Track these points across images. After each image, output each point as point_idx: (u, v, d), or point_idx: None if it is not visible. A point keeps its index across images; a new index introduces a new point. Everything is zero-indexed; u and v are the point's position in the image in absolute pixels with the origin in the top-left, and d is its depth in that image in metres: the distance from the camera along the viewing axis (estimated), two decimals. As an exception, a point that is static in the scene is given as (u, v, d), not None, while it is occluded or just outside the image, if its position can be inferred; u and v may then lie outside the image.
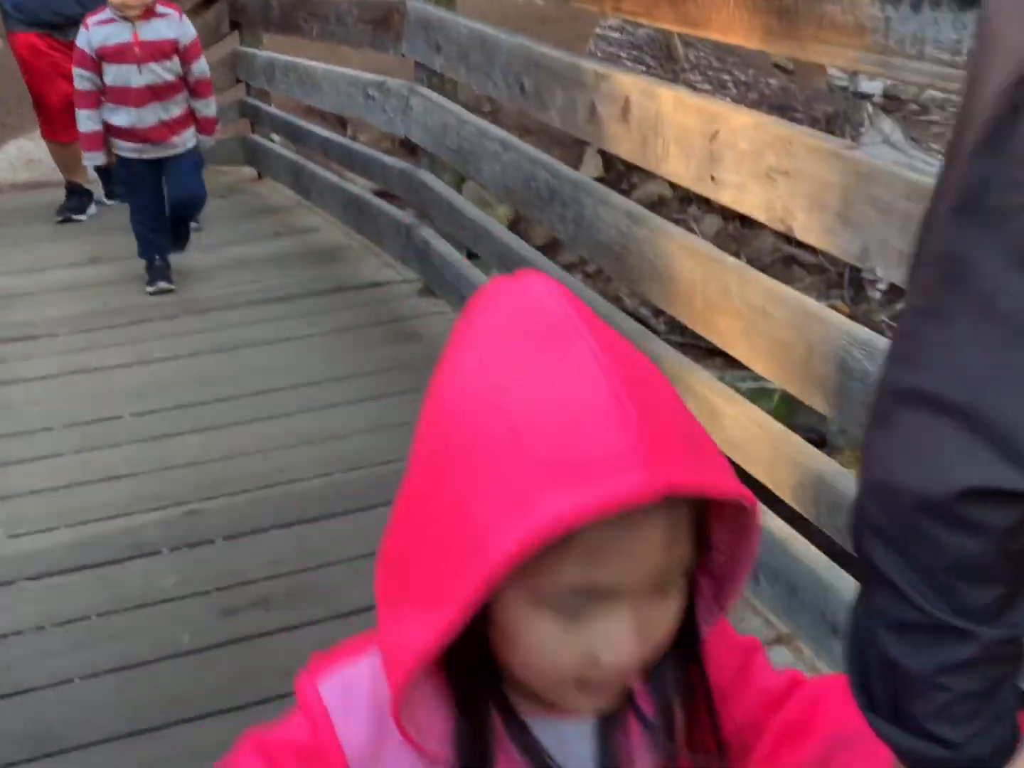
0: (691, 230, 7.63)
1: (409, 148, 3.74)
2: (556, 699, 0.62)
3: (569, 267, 6.39)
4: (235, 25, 4.80)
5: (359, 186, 4.30)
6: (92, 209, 4.64)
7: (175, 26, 3.47)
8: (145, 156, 3.51)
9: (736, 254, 7.98)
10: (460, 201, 3.22)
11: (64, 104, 4.03)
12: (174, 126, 3.52)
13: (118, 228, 4.48)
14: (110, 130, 3.50)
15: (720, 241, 7.75)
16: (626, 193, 7.54)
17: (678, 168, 1.97)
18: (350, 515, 2.29)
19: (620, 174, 6.64)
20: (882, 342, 1.59)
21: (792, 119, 7.92)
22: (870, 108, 7.39)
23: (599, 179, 7.40)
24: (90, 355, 3.10)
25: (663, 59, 8.18)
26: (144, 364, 3.02)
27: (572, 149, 6.19)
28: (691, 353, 5.74)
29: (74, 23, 3.79)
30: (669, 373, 2.13)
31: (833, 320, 1.66)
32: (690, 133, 1.91)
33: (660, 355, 2.17)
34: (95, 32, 3.43)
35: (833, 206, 1.59)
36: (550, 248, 5.22)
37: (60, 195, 5.82)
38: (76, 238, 4.26)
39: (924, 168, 7.13)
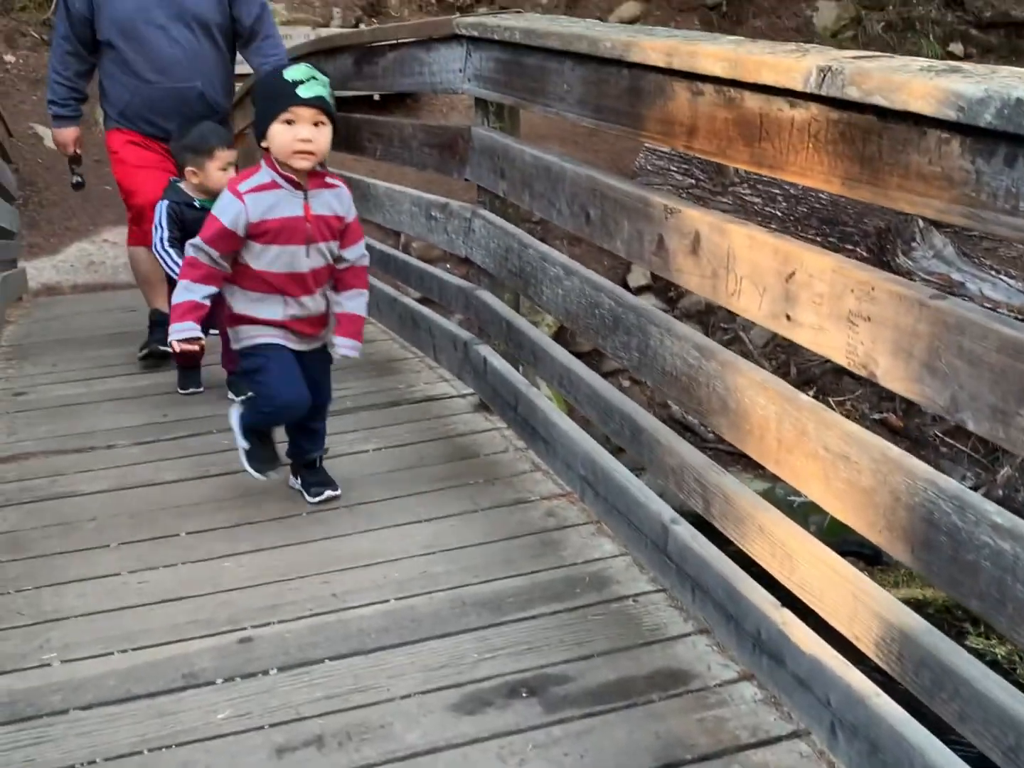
0: (740, 339, 7.62)
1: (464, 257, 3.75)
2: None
3: (610, 374, 6.39)
4: (297, 140, 4.91)
5: (414, 298, 4.33)
6: None
7: (344, 199, 2.73)
8: (291, 346, 2.74)
9: (786, 364, 7.93)
10: (519, 320, 3.22)
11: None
12: (324, 318, 2.79)
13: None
14: (242, 319, 2.72)
15: (769, 351, 7.73)
16: (673, 301, 7.59)
17: (750, 305, 1.94)
18: (406, 647, 2.23)
19: (668, 282, 6.65)
20: (972, 496, 1.54)
21: (843, 233, 7.94)
22: (921, 223, 7.39)
23: (646, 287, 7.44)
24: (148, 469, 3.09)
25: (712, 172, 8.27)
26: (202, 479, 3.01)
27: (621, 258, 6.24)
28: (734, 460, 5.66)
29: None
30: (741, 511, 2.08)
31: (919, 470, 1.61)
32: (764, 271, 1.89)
33: (733, 494, 2.12)
34: (254, 203, 2.56)
35: (919, 355, 1.55)
36: (595, 353, 5.22)
37: (121, 298, 5.93)
38: (138, 344, 4.30)
39: (1012, 320, 7.08)
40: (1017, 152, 1.34)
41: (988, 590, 1.49)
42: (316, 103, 2.51)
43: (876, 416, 7.31)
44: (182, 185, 3.57)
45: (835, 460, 1.77)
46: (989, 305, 7.56)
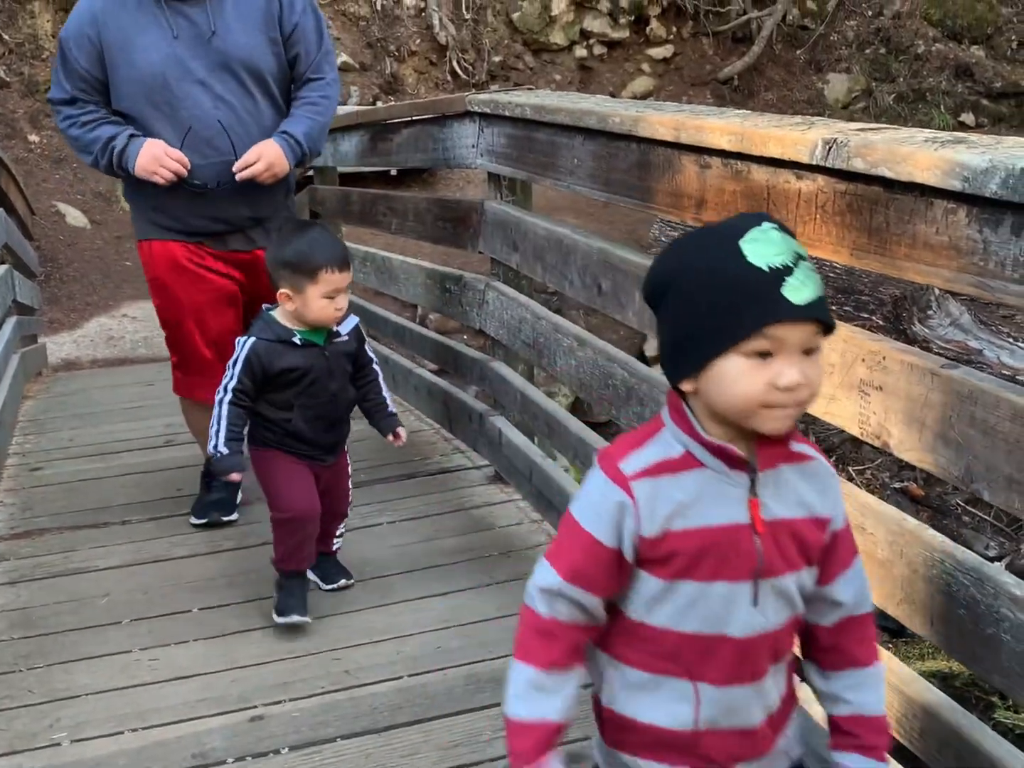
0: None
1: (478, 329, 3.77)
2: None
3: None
4: (314, 215, 4.97)
5: (429, 369, 4.34)
6: (240, 497, 3.27)
7: (825, 482, 1.70)
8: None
9: (805, 432, 7.89)
10: (533, 392, 3.22)
11: (218, 341, 3.02)
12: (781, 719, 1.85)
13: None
14: (618, 723, 1.31)
15: (788, 420, 7.70)
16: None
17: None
18: (419, 725, 2.19)
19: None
20: (990, 569, 1.51)
21: (858, 302, 7.95)
22: (937, 291, 7.39)
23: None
24: (161, 544, 3.08)
25: (727, 241, 8.31)
26: (214, 554, 3.00)
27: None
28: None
29: (239, 230, 3.02)
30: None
31: (936, 542, 1.59)
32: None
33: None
34: (652, 497, 1.20)
35: (932, 425, 1.54)
36: (613, 423, 5.23)
37: (138, 372, 5.97)
38: (154, 419, 4.32)
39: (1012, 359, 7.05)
40: (1023, 222, 1.34)
41: (1010, 665, 1.46)
42: (814, 313, 1.17)
43: (897, 485, 7.24)
44: (277, 314, 2.53)
45: (853, 531, 1.74)
46: (1008, 372, 7.53)
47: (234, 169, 2.88)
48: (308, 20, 2.97)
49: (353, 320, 2.62)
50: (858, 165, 1.57)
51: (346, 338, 2.60)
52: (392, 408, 2.74)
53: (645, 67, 11.27)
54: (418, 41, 10.33)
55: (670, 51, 11.33)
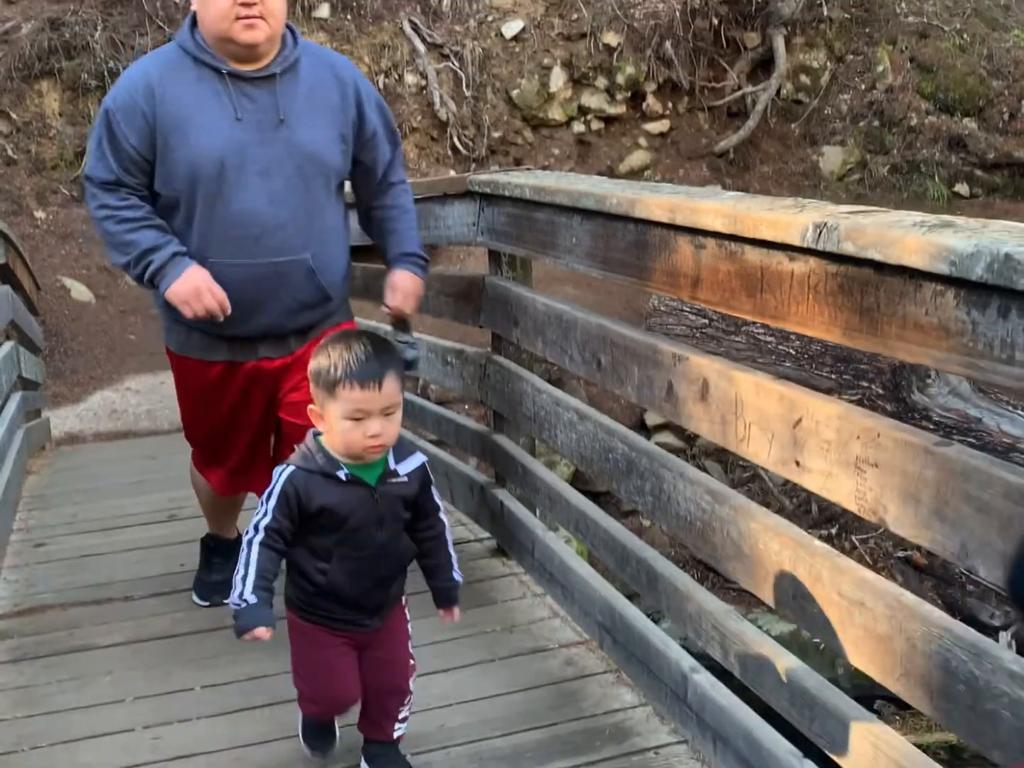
0: (759, 476, 7.59)
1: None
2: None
3: (628, 514, 6.35)
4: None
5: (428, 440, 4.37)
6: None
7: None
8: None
9: (807, 502, 7.85)
10: (534, 464, 3.25)
11: (254, 445, 2.88)
12: None
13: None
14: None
15: (789, 489, 7.68)
16: (691, 439, 7.56)
17: (760, 451, 1.96)
18: (423, 803, 2.19)
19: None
20: (988, 644, 1.53)
21: (857, 371, 7.99)
22: (935, 359, 7.43)
23: (663, 425, 7.44)
24: (163, 621, 3.09)
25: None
26: (217, 631, 3.00)
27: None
28: (759, 600, 5.58)
29: (274, 337, 2.70)
30: (760, 659, 2.05)
31: (934, 617, 1.60)
32: (771, 418, 1.92)
33: (751, 642, 2.10)
34: None
35: (927, 502, 1.56)
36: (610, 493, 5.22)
37: (141, 446, 5.99)
38: (157, 492, 4.34)
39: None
40: (1010, 304, 1.38)
41: (1009, 740, 1.46)
42: None
43: (900, 554, 7.23)
44: (325, 440, 2.13)
45: (850, 607, 1.76)
46: (1008, 440, 7.55)
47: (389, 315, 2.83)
48: (381, 119, 2.77)
49: (418, 459, 2.19)
50: (848, 248, 1.61)
51: (404, 479, 2.16)
52: (456, 575, 2.30)
53: (642, 141, 11.44)
54: (419, 118, 10.52)
55: (666, 126, 11.51)
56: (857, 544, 7.50)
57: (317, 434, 2.15)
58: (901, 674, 1.66)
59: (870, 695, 4.13)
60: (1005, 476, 1.43)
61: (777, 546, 1.97)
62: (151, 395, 7.09)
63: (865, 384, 8.02)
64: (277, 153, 2.56)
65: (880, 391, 8.00)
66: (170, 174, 2.56)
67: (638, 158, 11.37)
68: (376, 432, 2.05)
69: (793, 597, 1.92)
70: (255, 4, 2.48)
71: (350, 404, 2.04)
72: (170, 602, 3.22)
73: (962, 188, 11.51)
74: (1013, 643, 6.17)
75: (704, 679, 2.28)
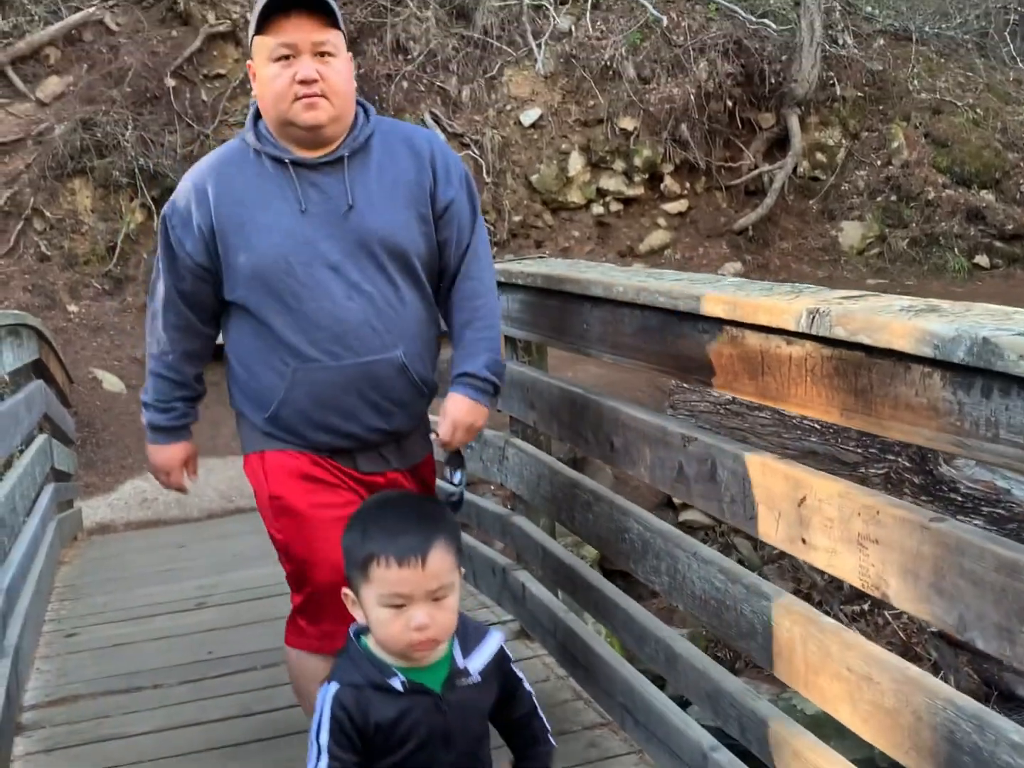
0: (788, 554, 7.56)
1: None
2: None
3: (655, 595, 6.34)
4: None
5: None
6: None
7: None
8: None
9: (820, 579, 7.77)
10: (554, 545, 3.29)
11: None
12: None
13: (223, 570, 4.65)
14: None
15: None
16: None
17: (768, 529, 2.01)
18: None
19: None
20: (991, 716, 1.56)
21: (883, 444, 7.98)
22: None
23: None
24: (192, 708, 3.13)
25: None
26: (245, 718, 3.04)
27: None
28: (758, 673, 5.48)
29: (371, 446, 2.38)
30: (776, 736, 2.08)
31: (939, 690, 1.63)
32: (777, 497, 1.97)
33: (766, 719, 2.13)
34: None
35: (925, 576, 1.61)
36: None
37: (171, 534, 6.08)
38: (185, 581, 4.41)
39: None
40: (992, 385, 1.44)
41: (1016, 812, 1.48)
42: None
43: (934, 629, 7.16)
44: (371, 641, 1.75)
45: (859, 681, 1.80)
46: (1037, 510, 7.50)
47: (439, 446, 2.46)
48: (463, 196, 2.44)
49: (493, 644, 1.77)
50: (840, 333, 1.69)
51: (478, 679, 1.73)
52: (548, 744, 1.90)
53: (661, 221, 11.63)
54: (441, 204, 10.78)
55: (685, 205, 11.71)
56: (890, 619, 7.43)
57: (360, 632, 1.73)
58: (910, 747, 1.68)
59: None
60: (996, 549, 1.48)
61: (788, 623, 2.01)
62: (181, 483, 7.20)
63: (892, 457, 8.01)
64: (349, 243, 2.29)
65: (907, 464, 7.98)
66: (234, 280, 2.33)
67: (658, 238, 11.54)
68: (422, 623, 1.63)
69: (805, 673, 1.95)
70: (315, 81, 2.25)
71: (386, 587, 1.63)
72: (199, 689, 3.27)
73: (982, 260, 11.59)
74: (1052, 717, 6.06)
75: (724, 757, 2.30)
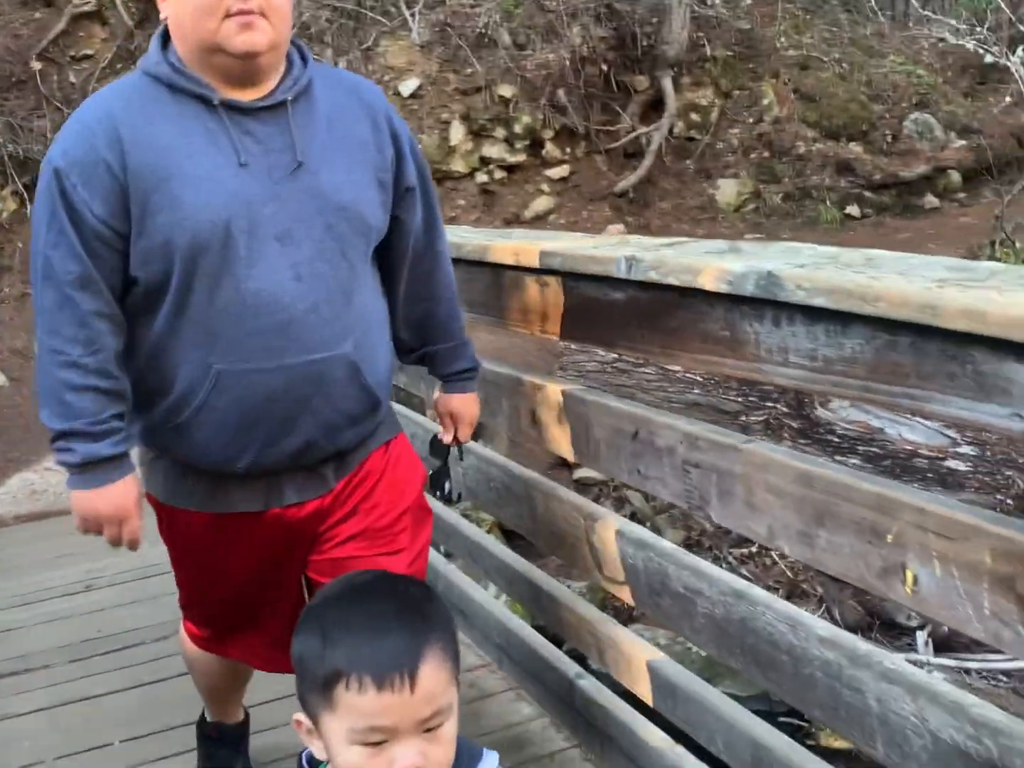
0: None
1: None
2: None
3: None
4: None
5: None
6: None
7: None
8: None
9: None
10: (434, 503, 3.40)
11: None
12: None
13: (113, 552, 4.66)
14: None
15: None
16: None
17: (611, 465, 2.16)
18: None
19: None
20: (801, 615, 1.72)
21: (762, 392, 8.27)
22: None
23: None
24: (81, 684, 3.17)
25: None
26: (133, 689, 3.09)
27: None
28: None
29: (311, 470, 1.93)
30: (629, 656, 2.23)
31: (759, 597, 1.80)
32: (615, 432, 2.11)
33: (620, 641, 2.27)
34: None
35: (739, 493, 1.76)
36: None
37: (62, 523, 6.02)
38: (73, 567, 4.41)
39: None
40: (780, 315, 1.59)
41: (824, 699, 1.65)
42: None
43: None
44: None
45: (693, 596, 1.95)
46: (910, 447, 7.88)
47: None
48: (415, 168, 2.01)
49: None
50: (653, 276, 1.82)
51: None
52: None
53: (544, 187, 11.76)
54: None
55: (567, 170, 11.85)
56: (777, 560, 7.74)
57: (316, 765, 1.33)
58: (738, 651, 1.84)
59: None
60: (794, 463, 1.64)
61: (631, 550, 2.15)
62: (70, 472, 7.12)
63: (770, 404, 8.29)
64: (300, 208, 1.79)
65: (785, 410, 8.28)
66: (151, 250, 1.75)
67: (542, 203, 11.68)
68: (412, 766, 1.19)
69: (649, 595, 2.10)
70: None
71: (361, 719, 1.18)
72: (87, 667, 3.30)
73: (853, 210, 11.99)
74: (930, 642, 6.42)
75: (589, 684, 2.45)
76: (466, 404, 2.25)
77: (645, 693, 2.16)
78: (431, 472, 2.29)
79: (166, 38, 1.84)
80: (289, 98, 1.83)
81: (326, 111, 1.87)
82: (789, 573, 7.52)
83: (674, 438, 1.91)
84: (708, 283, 1.68)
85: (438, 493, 2.37)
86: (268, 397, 1.81)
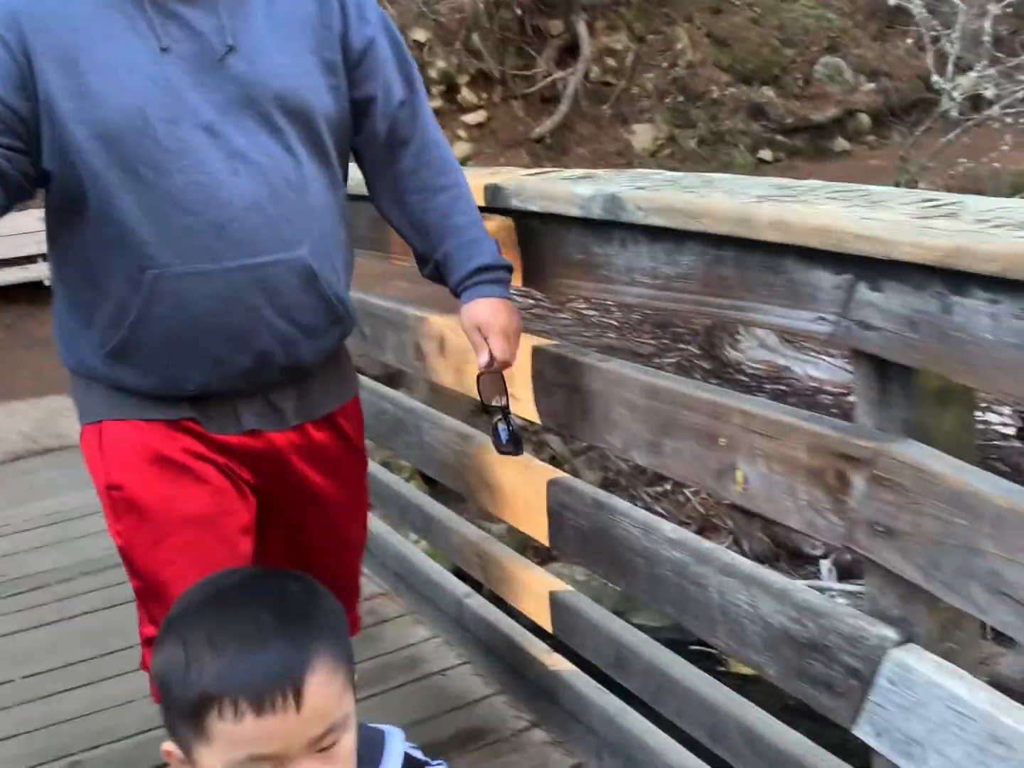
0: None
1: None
2: None
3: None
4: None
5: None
6: None
7: None
8: None
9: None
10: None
11: None
12: None
13: (20, 502, 4.66)
14: None
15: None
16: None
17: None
18: None
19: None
20: (656, 521, 1.83)
21: (675, 334, 8.42)
22: (741, 314, 7.92)
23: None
24: (-16, 625, 3.21)
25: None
26: (37, 628, 3.14)
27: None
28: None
29: (259, 388, 1.73)
30: (510, 573, 2.33)
31: (617, 506, 1.90)
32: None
33: (501, 558, 2.38)
34: None
35: (599, 409, 1.86)
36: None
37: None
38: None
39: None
40: (625, 236, 1.68)
41: (675, 595, 1.77)
42: None
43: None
44: None
45: (562, 511, 2.05)
46: (815, 384, 8.11)
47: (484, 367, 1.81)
48: (383, 40, 1.78)
49: (395, 753, 1.17)
50: (515, 203, 1.90)
51: None
52: None
53: (461, 133, 11.74)
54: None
55: (483, 116, 11.85)
56: (690, 497, 7.95)
57: None
58: (601, 561, 1.95)
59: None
60: (642, 378, 1.73)
61: (512, 474, 2.25)
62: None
63: (683, 346, 8.45)
64: (229, 97, 1.61)
65: (697, 351, 8.45)
66: (63, 139, 1.58)
67: (459, 149, 11.66)
68: None
69: (527, 511, 2.20)
70: None
71: (239, 748, 0.99)
72: (-9, 608, 3.34)
73: (766, 154, 12.17)
74: (833, 569, 6.68)
75: (476, 602, 2.56)
76: (495, 310, 1.79)
77: (546, 623, 2.25)
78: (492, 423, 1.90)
79: None
80: None
81: None
82: (700, 509, 7.74)
83: (541, 363, 1.99)
84: (562, 208, 1.76)
85: (503, 442, 1.89)
86: (211, 306, 1.63)
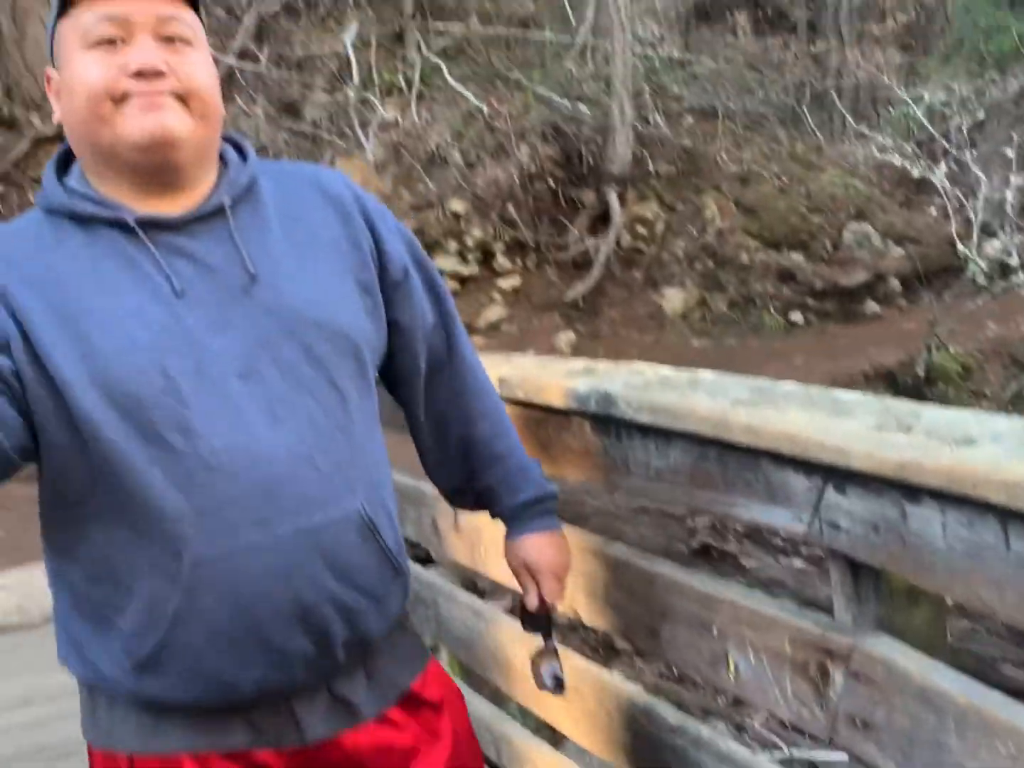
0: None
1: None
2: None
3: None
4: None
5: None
6: None
7: None
8: None
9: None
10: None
11: None
12: None
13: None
14: None
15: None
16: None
17: (498, 573, 2.31)
18: None
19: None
20: (658, 706, 1.87)
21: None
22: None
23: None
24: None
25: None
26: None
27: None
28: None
29: (321, 677, 1.43)
30: (521, 752, 2.36)
31: (633, 694, 1.94)
32: (501, 541, 2.27)
33: (513, 737, 2.40)
34: None
35: (600, 592, 1.92)
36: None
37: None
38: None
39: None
40: (620, 430, 1.78)
41: None
42: None
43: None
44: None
45: (570, 692, 2.09)
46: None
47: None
48: (409, 252, 1.62)
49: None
50: (520, 395, 2.01)
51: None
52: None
53: (496, 297, 12.10)
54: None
55: (518, 281, 12.22)
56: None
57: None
58: (611, 745, 1.98)
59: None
60: (640, 564, 1.80)
61: (523, 653, 2.30)
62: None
63: (714, 507, 8.43)
64: (259, 332, 1.39)
65: (729, 512, 8.42)
66: (67, 410, 1.31)
67: (494, 312, 12.00)
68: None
69: (538, 693, 2.24)
70: (161, 75, 1.34)
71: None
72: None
73: (796, 317, 12.38)
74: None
75: None
76: (542, 548, 1.66)
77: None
78: (531, 657, 1.78)
79: (67, 162, 1.46)
80: (227, 202, 1.42)
81: (279, 210, 1.48)
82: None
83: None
84: (560, 402, 1.87)
85: (547, 684, 1.75)
86: (266, 585, 1.35)
